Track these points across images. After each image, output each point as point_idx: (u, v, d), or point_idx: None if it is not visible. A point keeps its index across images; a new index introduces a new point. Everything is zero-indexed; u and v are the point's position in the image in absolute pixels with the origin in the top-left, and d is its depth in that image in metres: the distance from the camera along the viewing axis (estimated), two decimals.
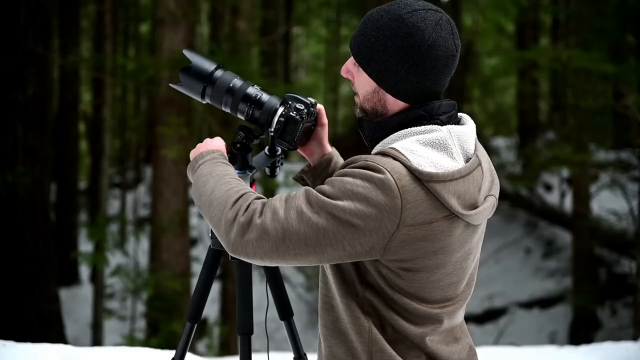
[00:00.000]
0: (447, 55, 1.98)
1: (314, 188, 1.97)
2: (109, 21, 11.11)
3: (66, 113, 13.84)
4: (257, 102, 2.31)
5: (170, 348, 5.50)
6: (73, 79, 13.94)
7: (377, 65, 2.00)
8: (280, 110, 2.28)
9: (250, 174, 2.36)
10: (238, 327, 2.31)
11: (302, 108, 2.27)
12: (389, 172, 1.86)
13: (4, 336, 4.44)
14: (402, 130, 1.99)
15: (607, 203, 13.19)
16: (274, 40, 15.29)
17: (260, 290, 2.42)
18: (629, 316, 11.58)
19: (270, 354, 2.59)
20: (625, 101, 8.37)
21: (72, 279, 14.15)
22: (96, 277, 10.82)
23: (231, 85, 2.33)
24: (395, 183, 1.85)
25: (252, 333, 2.31)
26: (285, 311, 2.44)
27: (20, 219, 8.68)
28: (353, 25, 20.39)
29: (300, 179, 2.47)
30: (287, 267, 12.05)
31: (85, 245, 13.58)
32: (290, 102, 2.29)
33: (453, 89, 16.05)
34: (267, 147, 2.39)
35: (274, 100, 2.31)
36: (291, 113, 2.26)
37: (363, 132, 2.11)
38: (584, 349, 5.59)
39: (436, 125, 1.98)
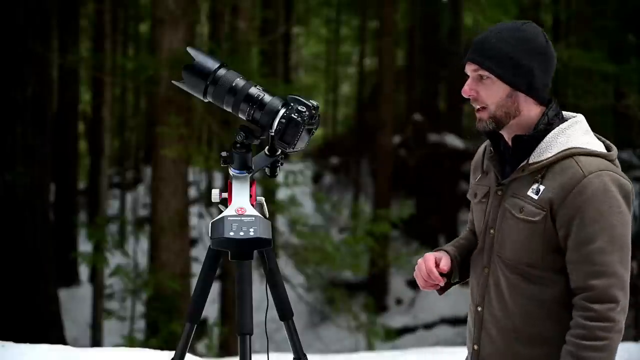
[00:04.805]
0: (554, 56, 2.27)
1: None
2: (109, 21, 11.10)
3: (65, 113, 13.81)
4: (259, 103, 2.30)
5: (170, 349, 5.47)
6: (72, 79, 13.91)
7: (513, 69, 2.21)
8: (282, 111, 2.27)
9: (250, 174, 2.35)
10: (238, 328, 2.29)
11: (304, 110, 2.26)
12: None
13: (3, 337, 4.41)
14: (567, 128, 2.22)
15: None
16: (274, 40, 15.27)
17: (260, 291, 2.40)
18: (630, 317, 11.54)
19: (270, 354, 2.57)
20: (627, 101, 8.37)
21: (72, 280, 14.12)
22: (95, 278, 10.79)
23: (234, 84, 2.31)
24: None
25: (251, 333, 2.30)
26: (285, 312, 2.44)
27: (20, 219, 8.66)
28: (353, 25, 20.36)
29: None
30: (287, 267, 12.03)
31: (84, 246, 13.54)
32: (292, 104, 2.28)
33: (454, 88, 16.04)
34: (267, 147, 2.38)
35: (276, 102, 2.30)
36: (293, 115, 2.25)
37: (515, 146, 2.26)
38: None
39: (577, 114, 2.29)
